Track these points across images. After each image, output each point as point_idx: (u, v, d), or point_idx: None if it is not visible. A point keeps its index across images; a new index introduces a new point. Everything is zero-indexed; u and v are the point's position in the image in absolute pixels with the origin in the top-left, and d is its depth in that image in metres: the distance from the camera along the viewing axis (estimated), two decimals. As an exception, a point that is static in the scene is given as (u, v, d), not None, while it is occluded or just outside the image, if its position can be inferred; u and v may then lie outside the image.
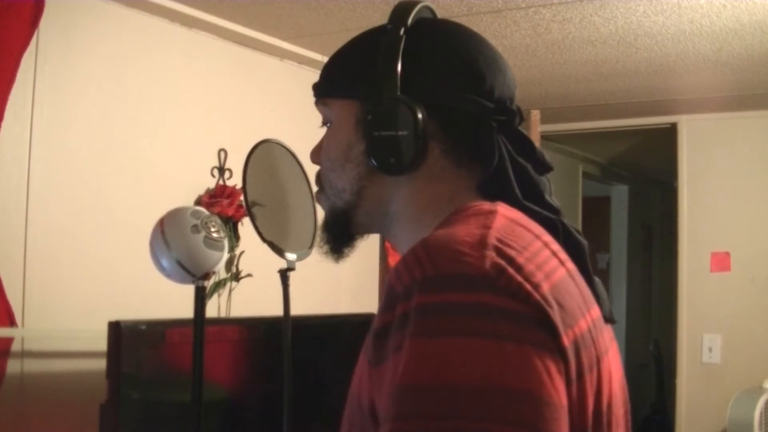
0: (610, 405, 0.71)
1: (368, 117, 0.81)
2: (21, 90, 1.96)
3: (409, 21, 0.83)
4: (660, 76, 3.02)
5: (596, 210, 5.55)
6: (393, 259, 3.21)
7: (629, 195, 5.78)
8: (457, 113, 0.81)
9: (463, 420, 0.59)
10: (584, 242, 0.82)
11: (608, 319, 0.79)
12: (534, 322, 0.63)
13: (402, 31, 0.82)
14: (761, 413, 2.90)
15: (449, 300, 0.63)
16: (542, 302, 0.64)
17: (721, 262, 3.57)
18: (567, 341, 0.65)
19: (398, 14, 0.84)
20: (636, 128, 3.89)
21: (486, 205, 0.76)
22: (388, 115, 0.79)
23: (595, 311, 0.74)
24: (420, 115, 0.79)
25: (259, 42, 2.62)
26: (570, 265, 0.74)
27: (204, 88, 2.51)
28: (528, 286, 0.64)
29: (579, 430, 0.65)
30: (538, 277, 0.66)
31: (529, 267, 0.66)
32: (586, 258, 0.81)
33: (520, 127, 0.84)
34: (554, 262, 0.71)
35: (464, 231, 0.69)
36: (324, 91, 0.88)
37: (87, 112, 2.16)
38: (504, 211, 0.75)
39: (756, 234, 3.51)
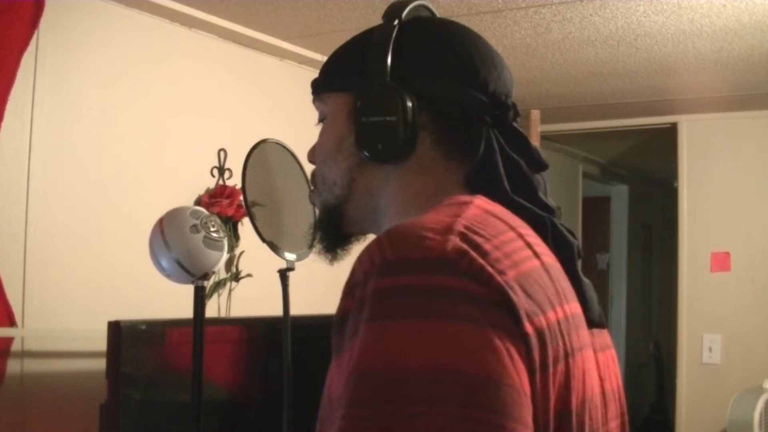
0: (583, 407, 0.68)
1: (357, 104, 0.81)
2: (21, 90, 1.96)
3: (403, 15, 0.83)
4: (660, 76, 3.02)
5: (596, 210, 5.55)
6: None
7: (629, 195, 5.78)
8: (449, 105, 0.80)
9: (417, 404, 0.57)
10: (574, 242, 0.80)
11: (596, 323, 0.77)
12: (494, 305, 0.61)
13: (395, 23, 0.82)
14: (761, 413, 2.90)
15: (406, 283, 0.61)
16: (504, 286, 0.62)
17: (721, 262, 3.57)
18: (530, 328, 0.63)
19: (392, 10, 0.84)
20: (636, 128, 3.89)
21: (464, 197, 0.74)
22: (376, 101, 0.79)
23: (572, 308, 0.72)
24: (409, 103, 0.78)
25: (259, 42, 2.62)
26: (548, 259, 0.72)
27: (204, 88, 2.51)
28: (490, 269, 0.62)
29: (542, 422, 0.63)
30: (504, 264, 0.64)
31: (496, 254, 0.64)
32: (575, 259, 0.79)
33: (516, 124, 0.83)
34: (527, 252, 0.69)
35: (432, 218, 0.68)
36: (319, 88, 0.89)
37: (87, 112, 2.15)
38: (481, 203, 0.73)
39: (756, 234, 3.51)
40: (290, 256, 1.36)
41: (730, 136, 3.59)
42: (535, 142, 3.05)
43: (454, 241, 0.63)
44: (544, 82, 3.15)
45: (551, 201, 0.84)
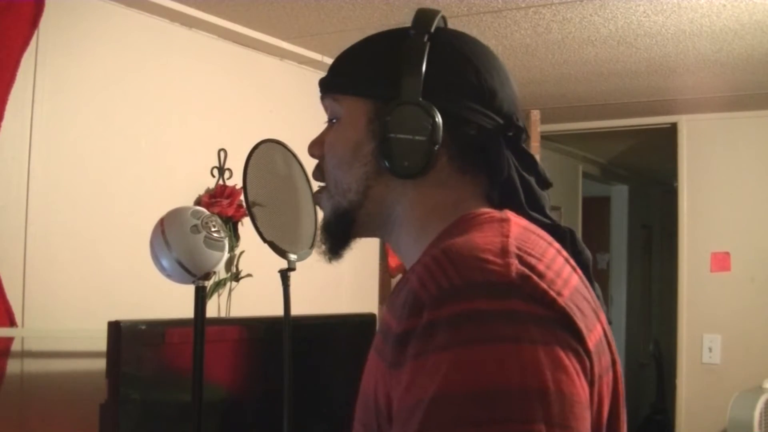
0: (620, 407, 0.73)
1: (387, 118, 0.81)
2: (21, 90, 1.95)
3: (432, 29, 0.84)
4: (660, 76, 3.02)
5: (596, 210, 5.55)
6: (393, 260, 3.21)
7: (629, 195, 5.78)
8: (469, 125, 0.82)
9: (502, 424, 0.60)
10: (589, 256, 0.85)
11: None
12: (560, 326, 0.65)
13: (426, 38, 0.83)
14: (761, 413, 2.90)
15: (479, 308, 0.64)
16: (566, 307, 0.66)
17: (721, 262, 3.57)
18: (591, 344, 0.67)
19: (421, 21, 0.85)
20: (636, 128, 3.89)
21: (496, 213, 0.78)
22: (408, 119, 0.80)
23: (603, 316, 0.76)
24: (438, 121, 0.80)
25: (259, 42, 2.62)
26: (579, 271, 0.77)
27: (204, 88, 2.51)
28: (552, 293, 0.66)
29: (596, 428, 0.68)
30: (558, 284, 0.68)
31: (550, 274, 0.68)
32: (591, 269, 0.83)
33: (524, 144, 0.86)
34: (568, 268, 0.73)
35: (483, 239, 0.70)
36: (336, 87, 0.88)
37: (87, 112, 2.15)
38: (514, 218, 0.77)
39: (756, 234, 3.51)
40: (291, 256, 1.36)
41: (730, 136, 3.59)
42: (535, 142, 3.05)
43: (515, 264, 0.67)
44: (544, 82, 3.15)
45: (554, 216, 0.88)
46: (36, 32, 1.96)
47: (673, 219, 3.72)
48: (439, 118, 0.80)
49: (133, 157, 2.28)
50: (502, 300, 0.64)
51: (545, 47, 2.68)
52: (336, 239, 0.89)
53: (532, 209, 0.83)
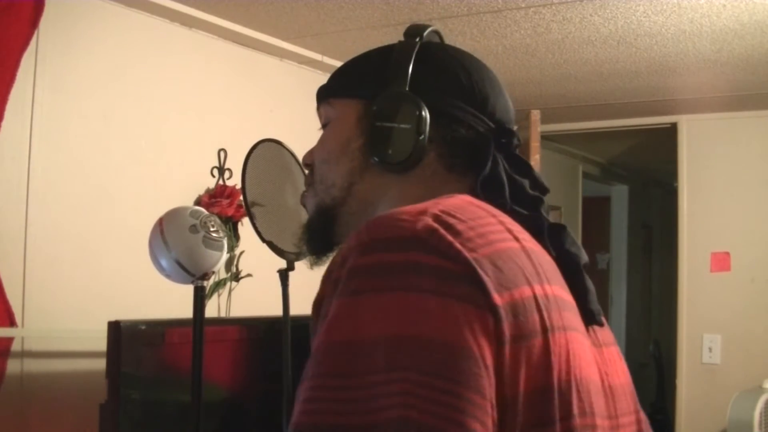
0: (569, 386, 0.66)
1: (372, 108, 0.82)
2: (21, 90, 1.96)
3: (424, 36, 0.86)
4: (660, 76, 3.02)
5: (596, 210, 5.55)
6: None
7: (629, 195, 5.78)
8: (459, 124, 0.82)
9: (377, 373, 0.58)
10: (578, 253, 0.80)
11: (595, 318, 0.77)
12: (460, 278, 0.62)
13: (416, 40, 0.85)
14: (761, 413, 2.90)
15: (376, 260, 0.63)
16: (472, 261, 0.63)
17: (721, 262, 3.57)
18: (499, 300, 0.63)
19: (412, 30, 0.87)
20: (636, 128, 3.89)
21: (452, 195, 0.75)
22: (393, 107, 0.81)
23: (555, 291, 0.71)
24: (424, 113, 0.80)
25: (259, 42, 2.62)
26: (530, 245, 0.72)
27: (204, 88, 2.51)
28: (458, 246, 0.64)
29: (510, 393, 0.62)
30: (477, 242, 0.65)
31: (468, 234, 0.66)
32: (578, 266, 0.79)
33: (517, 152, 0.86)
34: (505, 235, 0.70)
35: (412, 206, 0.69)
36: (330, 92, 0.90)
37: (87, 112, 2.16)
38: (467, 197, 0.74)
39: (756, 234, 3.51)
40: (290, 256, 1.36)
41: (730, 136, 3.59)
42: (535, 142, 3.05)
43: (426, 220, 0.65)
44: (544, 82, 3.15)
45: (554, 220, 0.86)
46: (36, 32, 1.96)
47: (673, 219, 3.72)
48: (425, 110, 0.81)
49: (133, 157, 2.28)
50: (401, 252, 0.63)
51: (545, 47, 2.68)
52: (318, 239, 0.89)
53: (519, 207, 0.80)
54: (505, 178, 0.82)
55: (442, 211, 0.67)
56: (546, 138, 3.84)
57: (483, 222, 0.69)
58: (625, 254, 5.74)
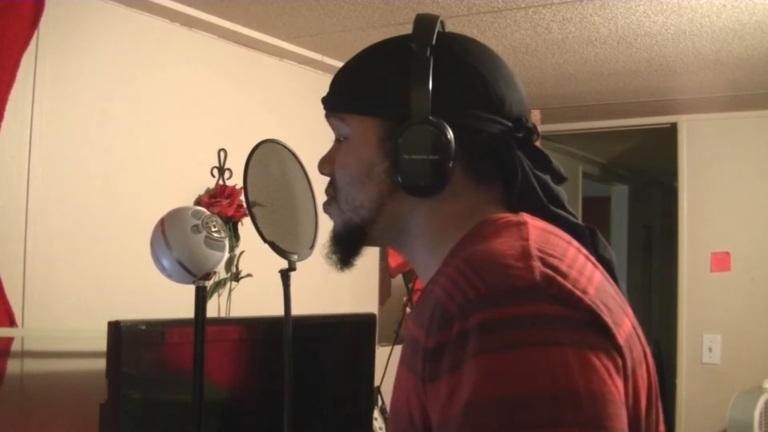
0: (655, 397, 0.73)
1: (399, 140, 0.80)
2: (21, 90, 1.95)
3: (434, 40, 0.82)
4: (660, 76, 3.02)
5: (596, 210, 5.55)
6: (393, 260, 3.21)
7: (629, 195, 5.78)
8: (480, 134, 0.82)
9: (538, 428, 0.60)
10: (612, 254, 0.84)
11: None
12: (588, 326, 0.65)
13: (428, 52, 0.81)
14: (761, 413, 2.90)
15: (507, 314, 0.64)
16: (593, 306, 0.66)
17: (721, 262, 3.57)
18: (621, 339, 0.67)
19: (421, 31, 0.83)
20: (636, 128, 3.89)
21: (512, 217, 0.78)
22: (420, 139, 0.79)
23: (630, 311, 0.77)
24: (450, 138, 0.79)
25: (259, 42, 2.62)
26: (600, 267, 0.77)
27: (204, 88, 2.51)
28: (577, 293, 0.66)
29: (634, 421, 0.68)
30: (583, 282, 0.68)
31: (573, 273, 0.68)
32: (614, 267, 0.83)
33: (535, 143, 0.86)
34: (590, 266, 0.73)
35: (503, 244, 0.70)
36: (341, 106, 0.87)
37: (87, 112, 2.15)
38: (531, 220, 0.76)
39: (756, 234, 3.51)
40: (292, 256, 1.36)
41: (730, 136, 3.59)
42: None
43: (538, 267, 0.67)
44: (544, 82, 3.15)
45: (572, 210, 0.88)
46: (36, 32, 1.96)
47: (673, 219, 3.72)
48: (451, 135, 0.79)
49: (133, 157, 2.28)
50: (528, 304, 0.64)
51: (545, 47, 2.68)
52: (347, 251, 0.89)
53: (555, 206, 0.83)
54: (534, 181, 0.83)
55: (540, 251, 0.69)
56: (546, 138, 3.84)
57: (572, 256, 0.72)
58: (625, 254, 5.74)
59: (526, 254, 0.68)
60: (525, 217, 0.77)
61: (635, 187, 5.81)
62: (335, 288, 2.94)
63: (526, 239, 0.71)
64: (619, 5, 2.26)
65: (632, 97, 3.39)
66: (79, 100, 2.13)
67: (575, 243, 0.76)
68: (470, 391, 0.63)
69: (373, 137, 0.84)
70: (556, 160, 0.91)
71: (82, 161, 2.14)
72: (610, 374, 0.64)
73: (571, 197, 5.08)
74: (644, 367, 0.71)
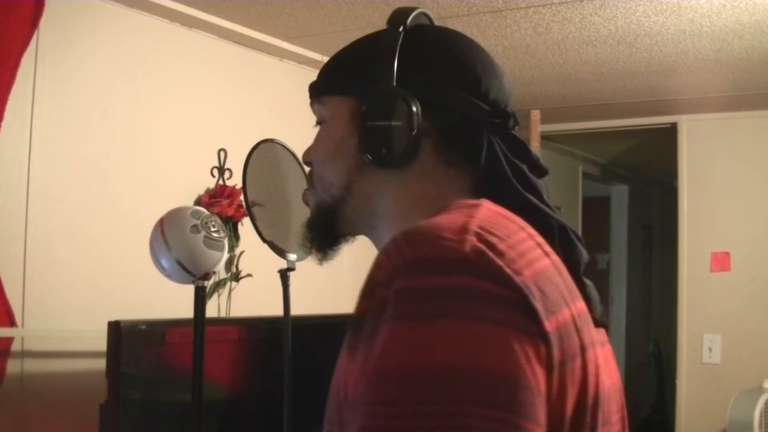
0: (597, 401, 0.69)
1: (362, 108, 0.81)
2: (21, 90, 1.96)
3: (408, 22, 0.83)
4: (660, 76, 3.02)
5: (596, 210, 5.55)
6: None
7: (629, 195, 5.78)
8: (452, 112, 0.81)
9: (437, 404, 0.58)
10: (582, 252, 0.80)
11: (598, 322, 0.77)
12: (514, 306, 0.62)
13: (400, 29, 0.82)
14: (761, 413, 2.90)
15: (428, 284, 0.62)
16: (523, 286, 0.63)
17: (721, 262, 3.57)
18: (549, 326, 0.64)
19: (396, 17, 0.84)
20: (636, 128, 3.89)
21: (472, 201, 0.76)
22: (382, 106, 0.80)
23: (581, 305, 0.73)
24: (414, 108, 0.79)
25: (259, 42, 2.62)
26: (555, 258, 0.73)
27: (204, 88, 2.51)
28: (508, 270, 0.63)
29: (557, 417, 0.64)
30: (520, 263, 0.65)
31: (511, 254, 0.65)
32: (581, 264, 0.79)
33: (515, 131, 0.84)
34: (538, 252, 0.70)
35: (446, 219, 0.68)
36: (320, 90, 0.89)
37: (87, 112, 2.15)
38: (489, 205, 0.74)
39: (756, 234, 3.51)
40: (291, 256, 1.36)
41: (730, 136, 3.59)
42: (535, 142, 3.05)
43: (471, 240, 0.64)
44: (544, 82, 3.15)
45: (551, 204, 0.85)
46: (36, 32, 1.96)
47: (673, 219, 3.72)
48: (415, 104, 0.79)
49: (133, 157, 2.28)
50: (453, 276, 0.62)
51: (545, 47, 2.68)
52: (321, 236, 0.89)
53: (528, 192, 0.80)
54: (506, 166, 0.81)
55: (481, 228, 0.66)
56: (546, 138, 3.83)
57: (518, 239, 0.69)
58: (625, 254, 5.74)
59: (463, 228, 0.66)
60: (485, 201, 0.75)
61: (635, 187, 5.80)
62: (335, 288, 2.94)
63: (471, 216, 0.69)
64: (619, 5, 2.26)
65: (632, 97, 3.39)
66: (79, 100, 2.13)
67: (531, 230, 0.73)
68: (376, 356, 0.61)
69: (346, 114, 0.84)
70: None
71: (82, 161, 2.14)
72: (528, 360, 0.61)
73: (571, 197, 5.07)
74: (579, 362, 0.66)
